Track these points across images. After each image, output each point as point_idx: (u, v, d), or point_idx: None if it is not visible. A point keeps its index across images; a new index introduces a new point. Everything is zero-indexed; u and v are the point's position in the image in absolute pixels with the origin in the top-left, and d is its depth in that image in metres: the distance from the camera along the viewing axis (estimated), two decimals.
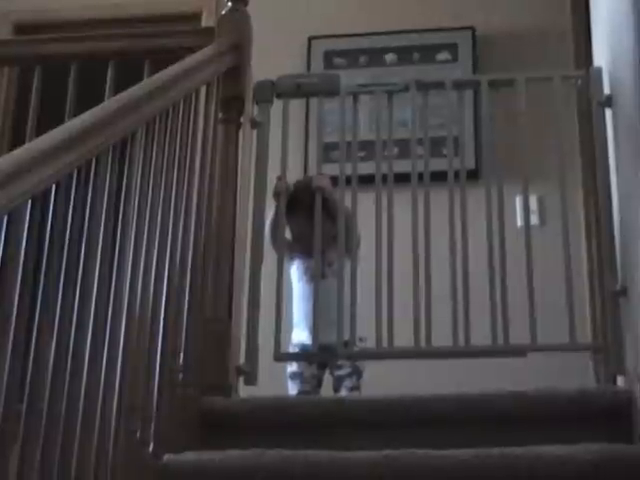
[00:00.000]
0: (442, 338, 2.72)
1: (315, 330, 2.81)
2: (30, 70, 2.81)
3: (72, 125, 1.86)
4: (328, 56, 4.85)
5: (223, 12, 2.88)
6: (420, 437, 2.33)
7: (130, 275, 2.04)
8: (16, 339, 1.57)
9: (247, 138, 2.84)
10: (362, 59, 4.84)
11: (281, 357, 2.88)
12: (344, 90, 3.00)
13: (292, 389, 3.43)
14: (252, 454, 2.14)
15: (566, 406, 2.40)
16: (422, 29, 4.79)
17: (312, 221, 2.91)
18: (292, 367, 3.42)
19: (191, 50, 2.61)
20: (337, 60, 4.84)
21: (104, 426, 1.87)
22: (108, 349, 1.91)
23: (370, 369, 3.36)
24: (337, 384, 3.40)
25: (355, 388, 3.37)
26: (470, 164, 4.04)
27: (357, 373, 3.38)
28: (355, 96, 2.99)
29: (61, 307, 1.76)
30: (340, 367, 3.37)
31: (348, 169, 2.90)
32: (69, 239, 1.82)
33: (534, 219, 4.09)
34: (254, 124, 2.91)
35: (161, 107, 2.25)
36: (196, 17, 4.89)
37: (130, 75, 2.51)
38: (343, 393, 3.35)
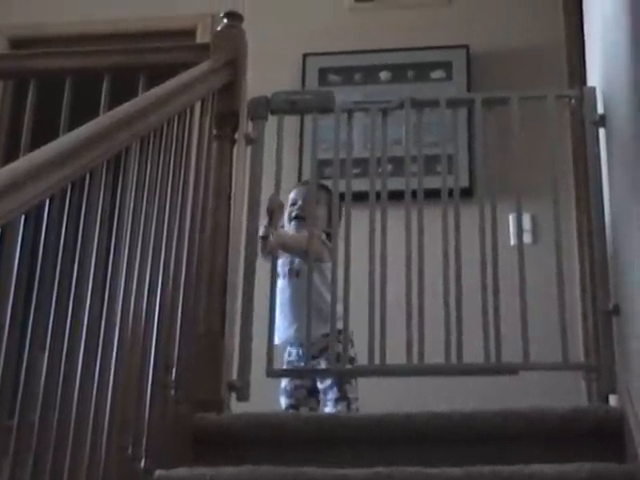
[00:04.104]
0: (434, 355, 2.72)
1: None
2: (25, 84, 2.81)
3: (67, 139, 1.87)
4: (323, 73, 4.85)
5: (219, 28, 2.89)
6: (412, 454, 2.33)
7: (123, 289, 2.04)
8: (9, 352, 1.57)
9: (241, 154, 2.84)
10: (357, 76, 4.84)
11: (273, 373, 2.87)
12: (339, 107, 3.01)
13: (283, 404, 3.41)
14: (245, 470, 2.14)
15: (558, 424, 2.40)
16: (417, 47, 4.80)
17: None
18: (281, 382, 3.39)
19: (186, 66, 2.61)
20: (332, 77, 4.85)
21: (96, 441, 1.86)
22: (101, 363, 1.91)
23: (363, 386, 3.35)
24: (323, 398, 3.36)
25: (341, 399, 3.30)
26: (464, 182, 4.04)
27: (337, 383, 3.29)
28: (349, 113, 3.00)
29: (54, 321, 1.76)
30: (322, 380, 3.33)
31: (342, 186, 2.91)
32: (62, 253, 1.82)
33: (527, 237, 4.09)
34: (248, 140, 2.91)
35: (156, 122, 2.26)
36: (191, 33, 4.90)
37: (126, 89, 2.52)
38: (328, 408, 3.30)
